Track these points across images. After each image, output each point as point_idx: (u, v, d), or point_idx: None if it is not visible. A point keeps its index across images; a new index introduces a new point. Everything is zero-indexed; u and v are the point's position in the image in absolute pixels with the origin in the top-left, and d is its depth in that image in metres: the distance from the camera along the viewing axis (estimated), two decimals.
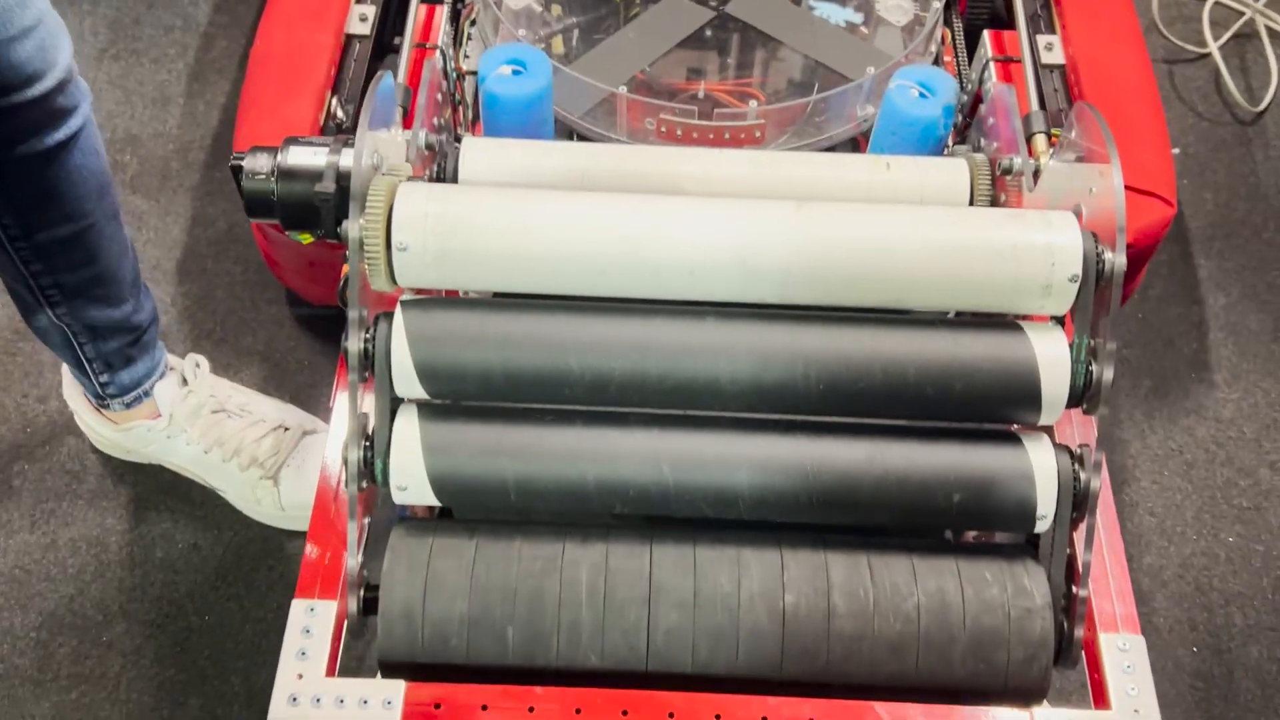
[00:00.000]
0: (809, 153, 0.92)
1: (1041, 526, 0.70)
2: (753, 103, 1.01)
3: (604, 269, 0.68)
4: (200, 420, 1.01)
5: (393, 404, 0.70)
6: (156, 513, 1.03)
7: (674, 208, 0.69)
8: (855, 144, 1.06)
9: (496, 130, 0.96)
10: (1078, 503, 0.69)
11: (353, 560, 0.69)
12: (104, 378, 0.98)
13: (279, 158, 0.72)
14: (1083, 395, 0.69)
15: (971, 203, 0.87)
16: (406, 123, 0.87)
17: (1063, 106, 1.08)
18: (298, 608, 0.69)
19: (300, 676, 0.67)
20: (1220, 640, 0.98)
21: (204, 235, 1.22)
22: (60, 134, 0.80)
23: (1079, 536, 0.70)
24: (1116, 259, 0.67)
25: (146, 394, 1.01)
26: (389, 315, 0.69)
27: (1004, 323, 0.71)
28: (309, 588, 0.70)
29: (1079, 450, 0.70)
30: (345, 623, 0.70)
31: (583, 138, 1.02)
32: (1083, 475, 0.69)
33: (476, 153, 0.86)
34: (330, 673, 0.67)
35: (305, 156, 0.72)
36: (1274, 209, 1.29)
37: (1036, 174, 0.84)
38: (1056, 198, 0.77)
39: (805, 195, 0.87)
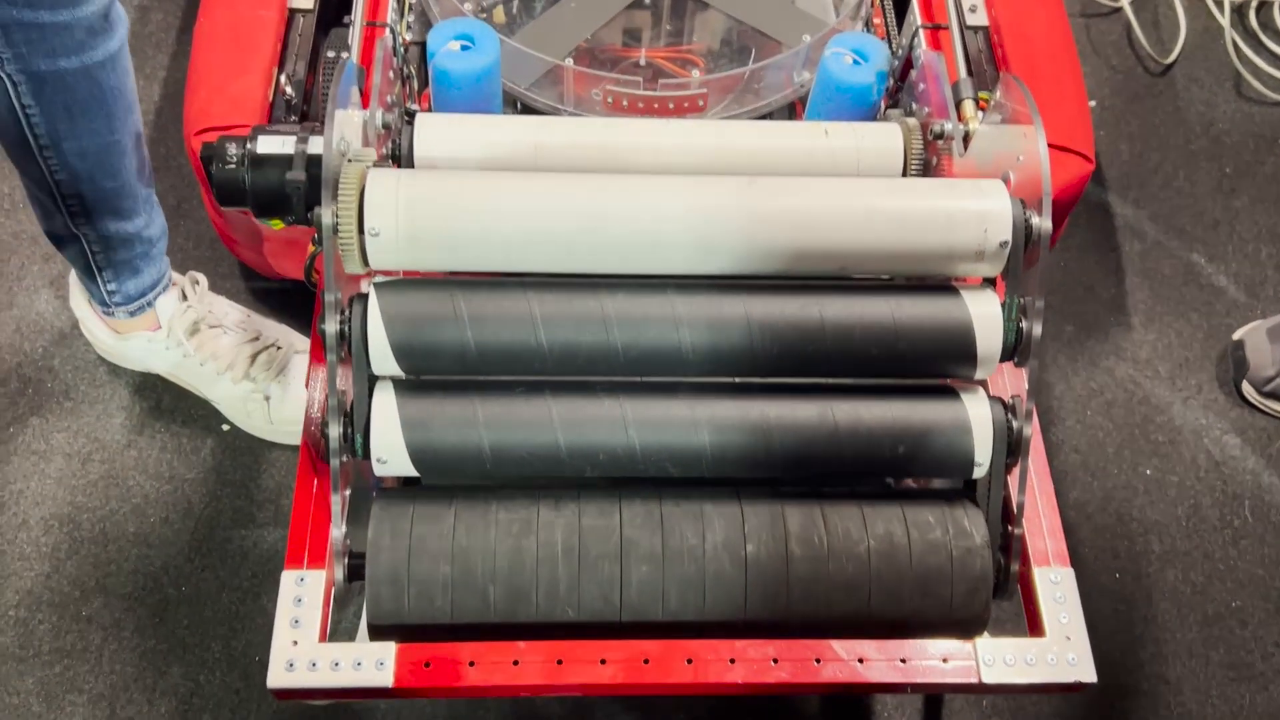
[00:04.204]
0: (753, 122, 0.96)
1: (979, 473, 0.76)
2: (695, 72, 1.05)
3: (570, 248, 0.72)
4: (198, 334, 1.06)
5: (370, 381, 0.74)
6: (127, 488, 1.05)
7: (634, 187, 0.73)
8: (792, 108, 1.11)
9: (447, 104, 0.99)
10: (1011, 449, 0.76)
11: (337, 530, 0.73)
12: (111, 286, 1.02)
13: (248, 146, 0.74)
14: (1014, 350, 0.75)
15: (905, 165, 0.92)
16: (363, 102, 0.89)
17: (988, 68, 1.13)
18: (288, 579, 0.72)
19: (295, 643, 0.70)
20: (1140, 566, 1.06)
21: (170, 192, 1.22)
22: (99, 54, 0.85)
23: (1013, 479, 0.76)
24: (1043, 223, 0.72)
25: (149, 304, 1.05)
26: (363, 297, 0.72)
27: (941, 286, 0.76)
28: (297, 559, 0.74)
29: (1011, 401, 0.76)
30: (333, 590, 0.73)
31: (530, 108, 1.05)
32: (1015, 424, 0.75)
33: (430, 129, 0.89)
34: (322, 639, 0.71)
35: (275, 145, 0.74)
36: (1183, 158, 1.37)
37: (966, 138, 0.89)
38: (986, 160, 0.82)
39: (750, 163, 0.91)
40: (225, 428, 1.09)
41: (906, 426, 0.75)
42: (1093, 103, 1.41)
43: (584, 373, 0.74)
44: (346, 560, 0.73)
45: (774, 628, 0.74)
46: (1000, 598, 0.76)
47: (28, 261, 1.19)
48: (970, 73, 1.08)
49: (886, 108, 1.02)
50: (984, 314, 0.74)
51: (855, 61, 0.98)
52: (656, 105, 1.03)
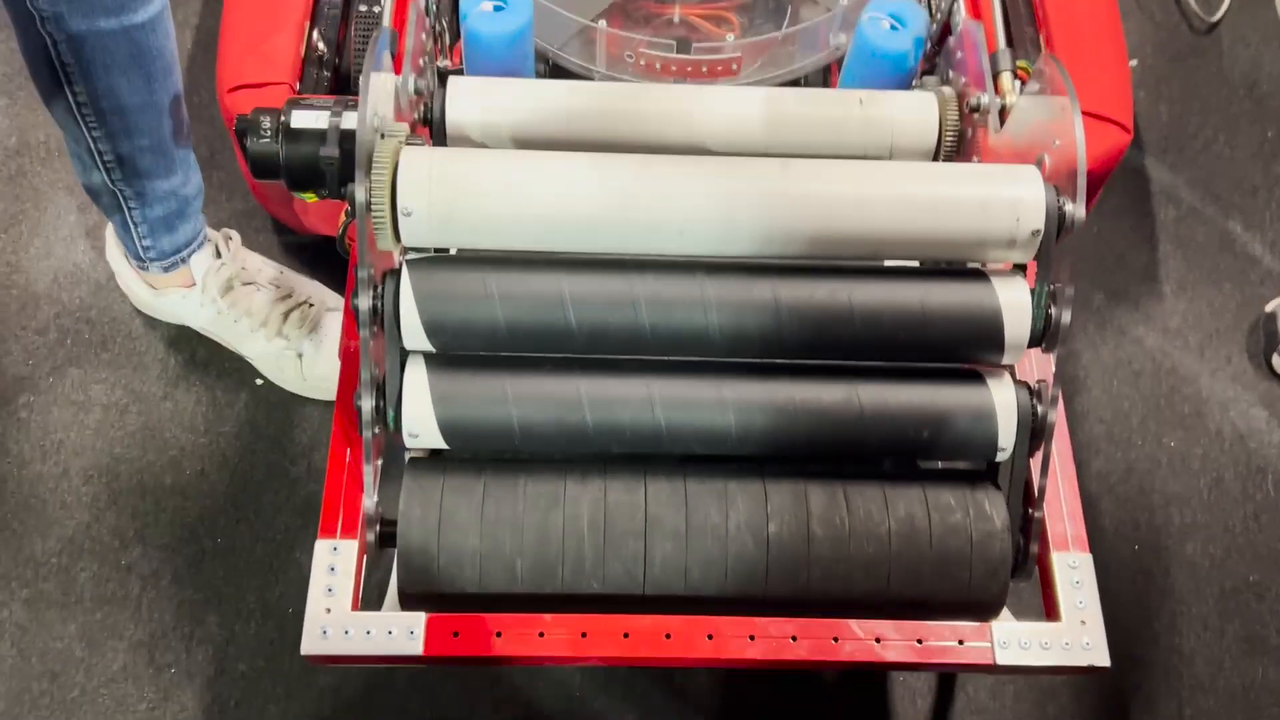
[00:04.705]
0: (787, 89, 0.96)
1: (1002, 457, 0.77)
2: (729, 35, 1.04)
3: (600, 230, 0.72)
4: (231, 292, 1.07)
5: (402, 356, 0.75)
6: (164, 440, 1.08)
7: (665, 170, 0.73)
8: (828, 71, 1.10)
9: (478, 66, 0.98)
10: (1034, 434, 0.76)
11: (369, 500, 0.75)
12: (146, 241, 1.04)
13: (283, 119, 0.74)
14: (1042, 336, 0.75)
15: (940, 137, 0.91)
16: (395, 67, 0.89)
17: (1029, 30, 1.12)
18: (322, 548, 0.75)
19: (328, 611, 0.73)
20: (1160, 539, 1.07)
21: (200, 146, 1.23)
22: (139, 16, 0.86)
23: (1035, 463, 0.77)
24: (1076, 210, 0.72)
25: (184, 261, 1.07)
26: (395, 273, 0.73)
27: (971, 271, 0.76)
28: (330, 528, 0.76)
29: (1037, 385, 0.77)
30: (365, 558, 0.76)
31: (562, 68, 1.04)
32: (1039, 409, 0.76)
33: (462, 93, 0.89)
34: (354, 608, 0.74)
35: (309, 119, 0.74)
36: (1224, 120, 1.34)
37: (1003, 113, 0.88)
38: (1021, 138, 0.81)
39: (783, 133, 0.91)
40: (259, 382, 1.11)
41: (931, 410, 0.75)
42: (1134, 62, 1.38)
43: (613, 352, 0.75)
44: (379, 528, 0.75)
45: (794, 605, 0.75)
46: (1019, 578, 0.78)
47: (64, 211, 1.20)
48: (1010, 43, 1.06)
49: (923, 73, 1.01)
50: (1013, 301, 0.74)
51: (893, 27, 0.97)
52: (690, 69, 1.03)
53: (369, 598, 0.77)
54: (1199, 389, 1.15)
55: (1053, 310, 0.74)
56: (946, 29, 1.02)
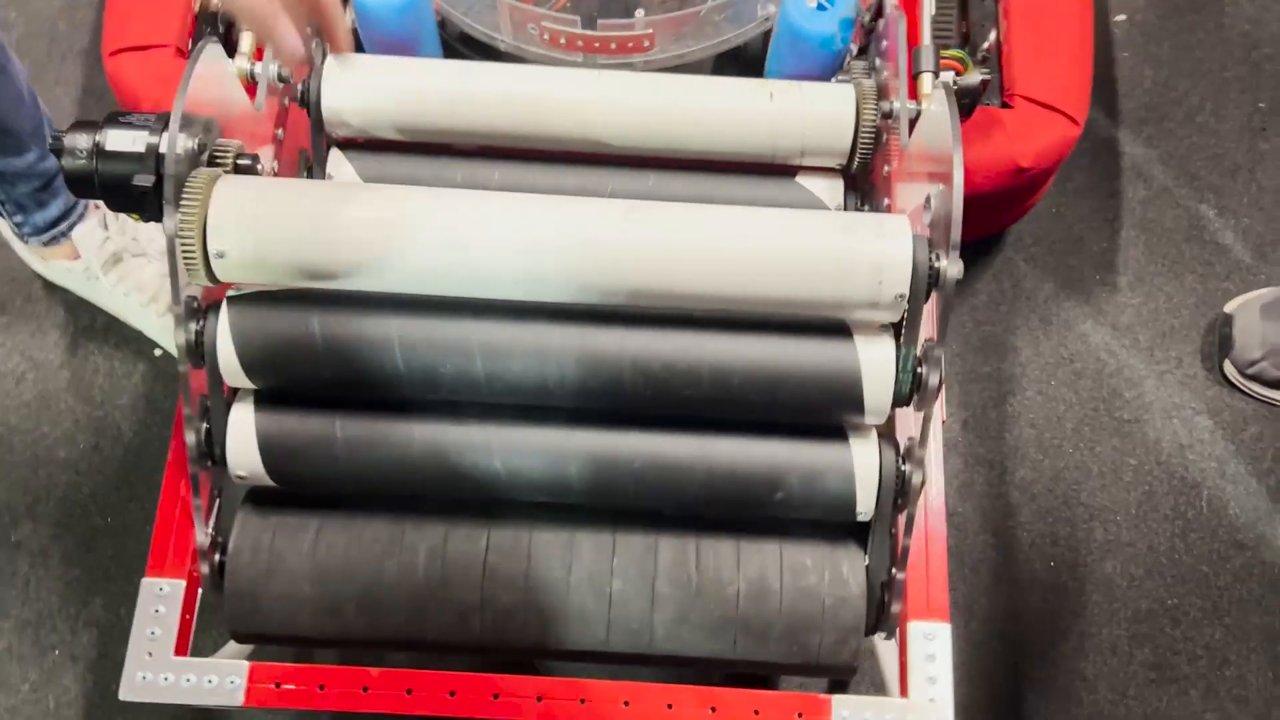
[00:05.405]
0: (694, 78, 0.88)
1: (863, 518, 0.72)
2: (639, 11, 0.95)
3: (430, 278, 0.67)
4: (120, 265, 1.04)
5: (231, 392, 0.71)
6: (59, 411, 1.06)
7: (499, 210, 0.67)
8: (765, 38, 1.01)
9: (372, 39, 0.92)
10: (900, 494, 0.72)
11: (202, 536, 0.72)
12: (18, 218, 1.01)
13: (98, 138, 0.69)
14: (909, 398, 0.70)
15: (856, 136, 0.84)
16: (258, 53, 0.83)
17: (988, 4, 1.02)
18: (147, 588, 0.72)
19: (150, 655, 0.71)
20: (1079, 555, 1.03)
21: (97, 108, 1.18)
22: None
23: (902, 521, 0.72)
24: (950, 268, 0.66)
25: (64, 235, 1.03)
26: (218, 306, 0.69)
27: (833, 326, 0.70)
28: (158, 566, 0.73)
29: (908, 443, 0.71)
30: (198, 598, 0.74)
31: (468, 36, 0.97)
32: (907, 469, 0.71)
33: (338, 76, 0.83)
34: (181, 649, 0.72)
35: (125, 141, 0.69)
36: (1214, 87, 1.24)
37: (915, 122, 0.81)
38: (929, 155, 0.73)
39: (686, 127, 0.84)
40: (158, 353, 1.08)
41: (787, 471, 0.71)
42: (1121, 17, 1.27)
43: (447, 399, 0.70)
44: (218, 557, 0.73)
45: (638, 661, 0.73)
46: (881, 633, 0.74)
47: None
48: (965, 15, 0.97)
49: (857, 55, 0.93)
50: (875, 363, 0.68)
51: (820, 5, 0.89)
52: (598, 44, 0.95)
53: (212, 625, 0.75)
54: (1142, 393, 1.09)
55: (923, 369, 0.68)
56: (879, 10, 0.93)
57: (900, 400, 0.69)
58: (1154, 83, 1.24)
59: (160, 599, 0.72)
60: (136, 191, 0.68)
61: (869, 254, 0.66)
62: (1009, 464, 1.05)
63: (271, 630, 0.72)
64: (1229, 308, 1.10)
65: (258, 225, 0.66)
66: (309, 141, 0.85)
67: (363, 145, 0.87)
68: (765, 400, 0.69)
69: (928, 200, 0.71)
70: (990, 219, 1.09)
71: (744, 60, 1.01)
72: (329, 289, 0.70)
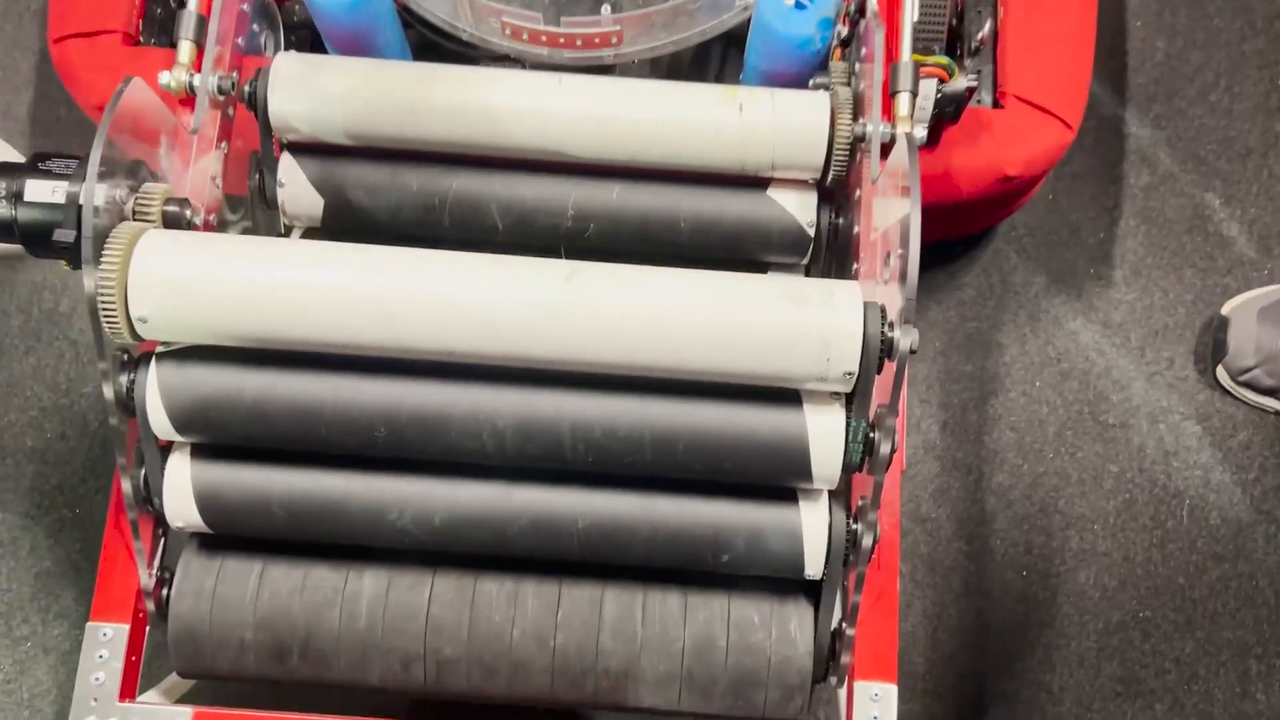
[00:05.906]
0: (661, 84, 0.83)
1: (812, 577, 0.71)
2: (605, 8, 0.90)
3: (362, 342, 0.64)
4: None
5: (165, 443, 0.70)
6: (25, 398, 1.05)
7: (434, 272, 0.64)
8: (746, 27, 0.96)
9: (328, 32, 0.88)
10: (851, 553, 0.70)
11: (145, 579, 0.72)
12: None
13: (15, 186, 0.66)
14: (860, 465, 0.67)
15: (829, 151, 0.80)
16: (196, 62, 0.79)
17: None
18: (91, 632, 0.72)
19: (95, 701, 0.71)
20: (1052, 564, 1.01)
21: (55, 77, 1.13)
22: None
23: (854, 579, 0.71)
24: (902, 340, 0.63)
25: None
26: (148, 359, 0.67)
27: (782, 394, 0.67)
28: (103, 609, 0.73)
29: (860, 502, 0.69)
30: (144, 641, 0.73)
31: (430, 26, 0.92)
32: (858, 529, 0.69)
33: (285, 78, 0.79)
34: (128, 692, 0.72)
35: (44, 192, 0.66)
36: (1231, 61, 1.17)
37: (889, 146, 0.77)
38: (891, 197, 0.69)
39: (650, 140, 0.81)
40: None
41: (733, 534, 0.69)
42: None
43: (384, 457, 0.69)
44: (165, 593, 0.73)
45: (582, 706, 0.73)
46: (833, 681, 0.73)
47: None
48: (959, 7, 0.92)
49: (842, 43, 0.88)
50: (825, 434, 0.66)
51: (798, 4, 0.84)
52: (562, 40, 0.90)
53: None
54: (1129, 396, 1.06)
55: (875, 435, 0.66)
56: (862, 8, 0.87)
57: (851, 468, 0.67)
58: (1166, 55, 1.17)
59: (104, 644, 0.72)
60: (58, 246, 0.66)
61: (817, 328, 0.63)
62: (986, 469, 1.03)
63: (218, 670, 0.72)
64: (1225, 310, 1.06)
65: (180, 290, 0.63)
66: (260, 144, 0.82)
67: (316, 149, 0.84)
68: (710, 468, 0.67)
69: (888, 257, 0.68)
70: (977, 220, 1.05)
71: (729, 43, 0.96)
72: (259, 348, 0.68)
